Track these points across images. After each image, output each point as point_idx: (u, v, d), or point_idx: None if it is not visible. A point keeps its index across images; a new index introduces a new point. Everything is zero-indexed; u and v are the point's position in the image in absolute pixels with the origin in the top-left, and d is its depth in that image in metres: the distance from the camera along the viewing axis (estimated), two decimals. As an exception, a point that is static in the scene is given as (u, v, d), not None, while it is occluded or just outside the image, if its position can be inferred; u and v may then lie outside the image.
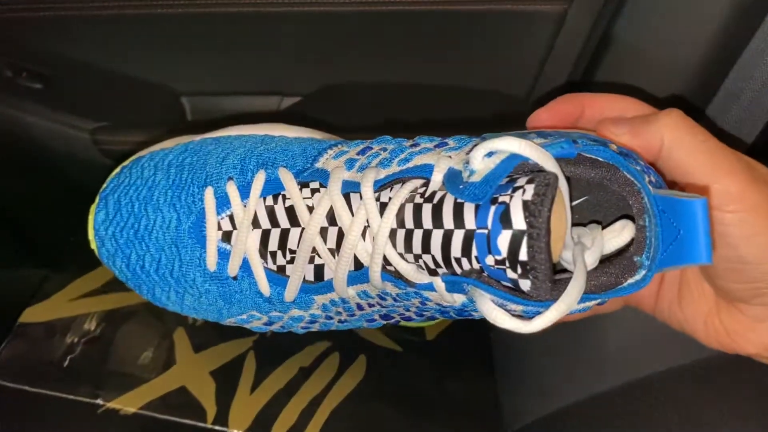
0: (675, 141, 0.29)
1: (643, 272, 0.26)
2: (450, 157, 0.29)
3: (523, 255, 0.24)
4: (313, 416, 0.46)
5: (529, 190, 0.24)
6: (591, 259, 0.26)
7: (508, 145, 0.24)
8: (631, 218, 0.27)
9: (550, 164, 0.24)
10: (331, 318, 0.34)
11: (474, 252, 0.26)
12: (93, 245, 0.36)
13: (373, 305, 0.32)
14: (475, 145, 0.26)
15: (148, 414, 0.44)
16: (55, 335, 0.47)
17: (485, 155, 0.26)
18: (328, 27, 0.55)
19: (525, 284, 0.24)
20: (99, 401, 0.44)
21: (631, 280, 0.26)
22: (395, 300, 0.31)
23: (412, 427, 0.48)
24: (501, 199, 0.25)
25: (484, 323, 0.38)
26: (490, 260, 0.25)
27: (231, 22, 0.55)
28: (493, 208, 0.25)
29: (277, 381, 0.47)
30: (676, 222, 0.24)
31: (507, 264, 0.24)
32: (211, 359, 0.47)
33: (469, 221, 0.26)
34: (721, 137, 0.29)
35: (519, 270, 0.24)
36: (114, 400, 0.44)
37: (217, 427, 0.44)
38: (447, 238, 0.27)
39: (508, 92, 0.61)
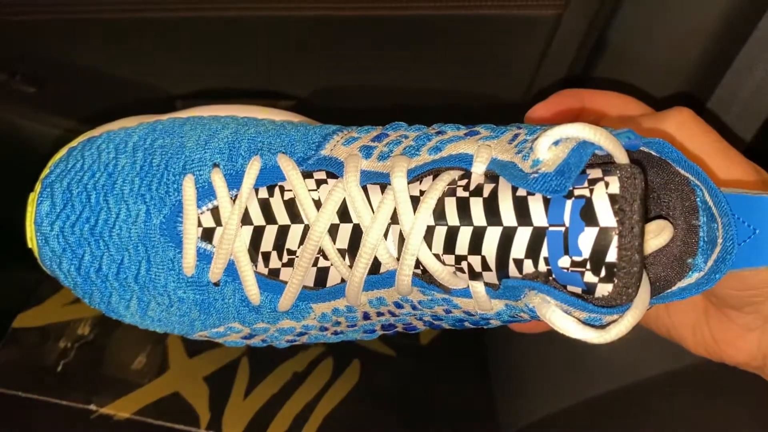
0: (687, 141, 0.28)
1: (696, 274, 0.24)
2: (489, 146, 0.25)
3: (611, 256, 0.21)
4: (307, 421, 0.46)
5: (614, 183, 0.21)
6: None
7: (581, 131, 0.21)
8: (662, 217, 0.25)
9: (622, 156, 0.22)
10: (325, 329, 0.30)
11: (544, 252, 0.23)
12: (31, 244, 0.30)
13: (383, 314, 0.29)
14: (538, 134, 0.23)
15: (141, 420, 0.44)
16: (48, 340, 0.47)
17: (553, 143, 0.23)
18: (325, 30, 0.55)
19: (604, 289, 0.22)
20: (92, 407, 0.44)
21: (682, 284, 0.24)
22: (414, 308, 0.27)
23: (406, 431, 0.48)
24: (578, 192, 0.22)
25: (477, 328, 0.38)
26: (564, 262, 0.22)
27: (225, 25, 0.55)
28: (569, 203, 0.22)
29: (271, 386, 0.47)
30: (749, 221, 0.23)
31: (588, 266, 0.22)
32: (205, 364, 0.47)
33: (539, 217, 0.23)
34: (725, 137, 0.28)
35: (603, 272, 0.21)
36: (107, 405, 0.44)
37: (210, 433, 0.44)
38: (507, 236, 0.23)
39: (504, 96, 0.61)
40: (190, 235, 0.27)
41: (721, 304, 0.30)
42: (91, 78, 0.60)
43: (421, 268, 0.26)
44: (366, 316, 0.29)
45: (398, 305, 0.28)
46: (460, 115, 0.63)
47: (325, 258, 0.27)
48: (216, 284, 0.28)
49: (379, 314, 0.29)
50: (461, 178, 0.25)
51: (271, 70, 0.60)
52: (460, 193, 0.25)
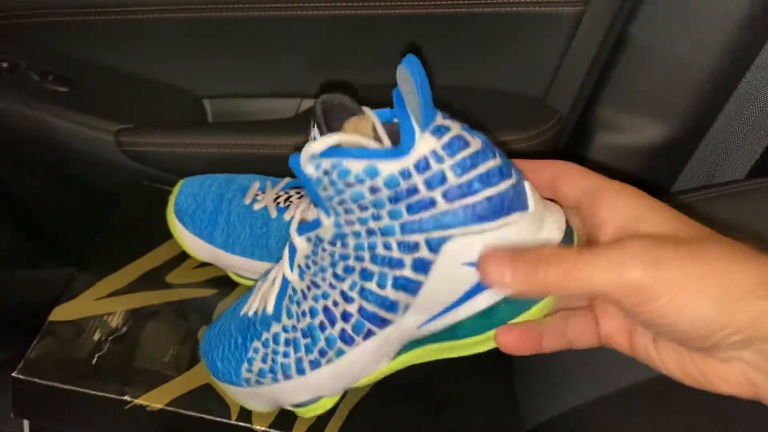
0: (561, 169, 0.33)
1: None
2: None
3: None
4: (334, 413, 0.47)
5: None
6: None
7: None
8: None
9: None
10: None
11: None
12: None
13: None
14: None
15: (174, 410, 0.45)
16: (83, 333, 0.48)
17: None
18: (348, 30, 0.56)
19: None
20: (126, 398, 0.45)
21: None
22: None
23: (429, 423, 0.49)
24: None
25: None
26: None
27: (251, 26, 0.56)
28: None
29: (299, 378, 0.48)
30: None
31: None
32: (234, 357, 0.48)
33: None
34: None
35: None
36: (141, 396, 0.45)
37: (241, 424, 0.45)
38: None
39: (526, 92, 0.61)
40: None
41: (700, 352, 0.30)
42: (121, 78, 0.61)
43: None
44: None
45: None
46: (483, 111, 0.64)
47: None
48: None
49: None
50: None
51: (296, 70, 0.61)
52: None
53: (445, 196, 0.29)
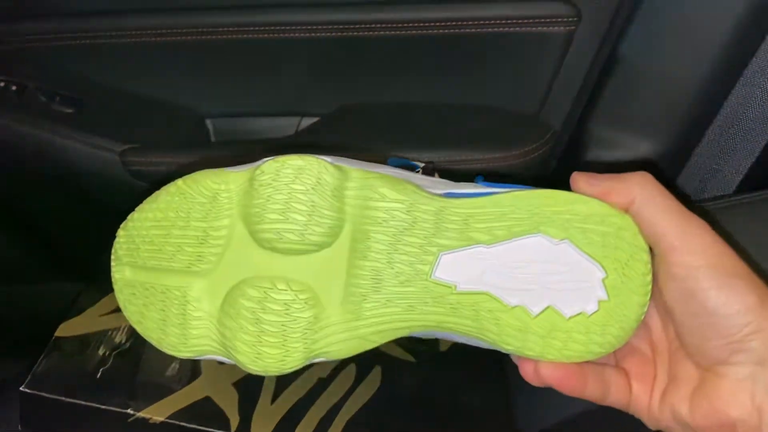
0: (646, 199, 0.32)
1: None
2: None
3: None
4: (331, 425, 0.48)
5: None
6: None
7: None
8: None
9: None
10: None
11: None
12: None
13: None
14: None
15: (175, 423, 0.46)
16: (88, 348, 0.49)
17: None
18: (346, 50, 0.57)
19: None
20: (129, 411, 0.46)
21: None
22: None
23: (426, 435, 0.50)
24: None
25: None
26: None
27: (252, 47, 0.57)
28: None
29: (297, 391, 0.49)
30: None
31: None
32: (234, 371, 0.49)
33: None
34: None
35: None
36: (143, 409, 0.46)
37: (240, 435, 0.46)
38: None
39: (519, 110, 0.62)
40: None
41: (711, 361, 0.32)
42: (126, 99, 0.62)
43: None
44: None
45: None
46: (476, 128, 0.65)
47: None
48: None
49: None
50: None
51: (295, 89, 0.62)
52: None
53: None
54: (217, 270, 0.35)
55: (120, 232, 0.36)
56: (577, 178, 0.34)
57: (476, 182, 0.36)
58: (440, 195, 0.34)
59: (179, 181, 0.35)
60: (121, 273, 0.36)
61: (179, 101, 0.63)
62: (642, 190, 0.32)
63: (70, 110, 0.61)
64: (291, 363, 0.34)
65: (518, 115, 0.62)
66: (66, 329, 0.50)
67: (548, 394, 0.57)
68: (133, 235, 0.35)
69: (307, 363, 0.34)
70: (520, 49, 0.57)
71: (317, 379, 0.50)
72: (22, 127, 0.60)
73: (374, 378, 0.51)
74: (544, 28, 0.55)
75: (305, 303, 0.33)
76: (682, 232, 0.31)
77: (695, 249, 0.30)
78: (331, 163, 0.34)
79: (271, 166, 0.34)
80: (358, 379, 0.51)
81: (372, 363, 0.52)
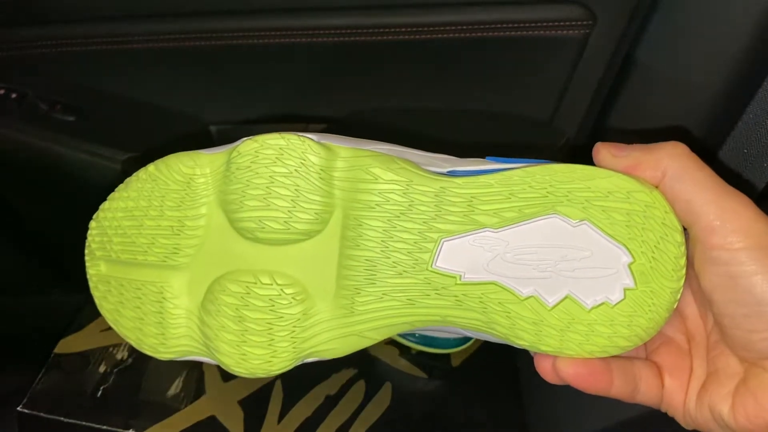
0: (679, 172, 0.28)
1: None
2: None
3: None
4: (342, 444, 0.47)
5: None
6: None
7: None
8: None
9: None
10: None
11: None
12: None
13: None
14: None
15: (178, 444, 0.45)
16: (89, 365, 0.48)
17: None
18: (353, 55, 0.56)
19: None
20: (131, 431, 0.45)
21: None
22: None
23: (438, 453, 0.48)
24: None
25: (509, 350, 0.37)
26: None
27: (255, 53, 0.56)
28: None
29: (305, 409, 0.48)
30: None
31: None
32: (240, 388, 0.48)
33: None
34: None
35: None
36: (146, 430, 0.45)
37: (245, 458, 0.45)
38: None
39: (532, 116, 0.61)
40: None
41: (756, 355, 0.29)
42: (128, 107, 0.61)
43: None
44: None
45: None
46: (488, 135, 0.64)
47: None
48: None
49: None
50: None
51: (301, 95, 0.61)
52: None
53: None
54: (196, 263, 0.32)
55: (92, 224, 0.34)
56: (600, 149, 0.30)
57: (486, 159, 0.33)
58: (442, 174, 0.31)
59: (150, 166, 0.33)
60: (95, 268, 0.33)
61: (182, 108, 0.62)
62: (674, 162, 0.28)
63: (71, 118, 0.60)
64: (279, 364, 0.31)
65: (531, 121, 0.60)
66: (66, 346, 0.49)
67: (563, 410, 0.56)
68: (104, 226, 0.33)
69: (298, 364, 0.32)
70: (533, 54, 0.56)
71: (325, 397, 0.49)
72: (22, 136, 0.59)
73: (384, 395, 0.50)
74: (558, 32, 0.54)
75: (292, 298, 0.31)
76: (721, 210, 0.27)
77: (738, 228, 0.27)
78: (316, 142, 0.31)
79: (250, 147, 0.31)
80: (368, 397, 0.49)
81: (382, 379, 0.51)
